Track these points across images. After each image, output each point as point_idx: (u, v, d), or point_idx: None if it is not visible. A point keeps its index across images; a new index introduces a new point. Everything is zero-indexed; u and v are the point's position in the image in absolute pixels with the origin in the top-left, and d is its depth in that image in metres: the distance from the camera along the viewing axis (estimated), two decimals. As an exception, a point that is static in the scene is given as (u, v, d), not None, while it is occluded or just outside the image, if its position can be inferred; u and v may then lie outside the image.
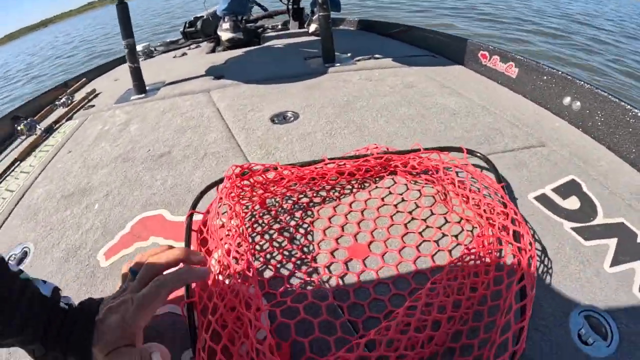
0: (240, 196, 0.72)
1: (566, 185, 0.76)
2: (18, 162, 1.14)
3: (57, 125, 1.33)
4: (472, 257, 0.57)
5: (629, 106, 0.87)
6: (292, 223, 0.70)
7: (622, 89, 3.53)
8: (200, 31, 2.31)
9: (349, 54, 1.61)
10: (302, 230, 0.68)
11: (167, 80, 1.53)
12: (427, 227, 0.67)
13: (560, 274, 0.58)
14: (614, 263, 0.60)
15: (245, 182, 0.72)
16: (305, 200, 0.75)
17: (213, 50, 2.12)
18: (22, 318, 0.40)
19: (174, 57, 2.04)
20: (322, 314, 0.52)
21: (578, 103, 0.99)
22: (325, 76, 1.40)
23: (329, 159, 0.78)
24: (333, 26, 1.53)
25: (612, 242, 0.64)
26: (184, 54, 2.07)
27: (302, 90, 1.27)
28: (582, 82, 1.00)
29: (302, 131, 1.01)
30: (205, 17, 2.34)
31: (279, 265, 0.62)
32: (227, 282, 0.52)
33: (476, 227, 0.65)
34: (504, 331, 0.46)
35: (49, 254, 0.72)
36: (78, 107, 1.46)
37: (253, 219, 0.72)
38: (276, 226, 0.70)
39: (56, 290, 0.46)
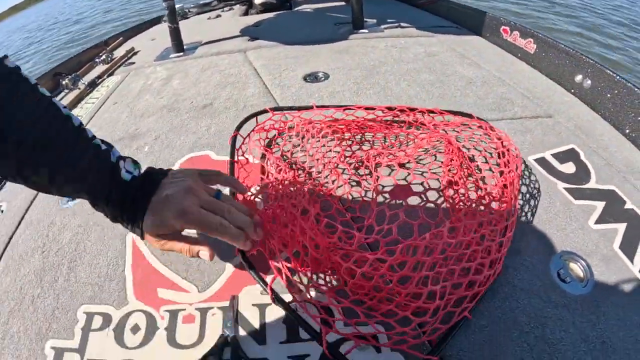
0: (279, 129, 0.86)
1: (566, 153, 0.84)
2: (65, 114, 1.23)
3: (100, 80, 1.43)
4: (473, 203, 0.68)
5: (636, 88, 0.94)
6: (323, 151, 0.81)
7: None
8: None
9: (374, 20, 1.68)
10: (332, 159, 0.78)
11: (203, 40, 1.62)
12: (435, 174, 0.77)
13: (548, 224, 0.68)
14: (599, 221, 0.69)
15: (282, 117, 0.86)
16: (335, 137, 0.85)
17: (246, 13, 2.18)
18: (91, 182, 0.47)
19: (208, 18, 2.11)
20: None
21: (589, 81, 1.06)
22: (354, 42, 1.47)
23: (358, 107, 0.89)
24: None
25: (600, 205, 0.72)
26: (218, 15, 2.15)
27: (332, 54, 1.35)
28: (595, 62, 1.07)
29: (331, 90, 1.10)
30: None
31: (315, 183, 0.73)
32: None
33: (474, 178, 0.75)
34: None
35: (104, 188, 0.82)
36: (119, 64, 1.56)
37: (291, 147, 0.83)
38: (311, 152, 0.81)
39: (119, 159, 0.50)
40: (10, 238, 0.74)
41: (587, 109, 1.04)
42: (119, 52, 1.70)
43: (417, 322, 0.47)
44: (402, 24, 1.65)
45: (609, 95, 1.00)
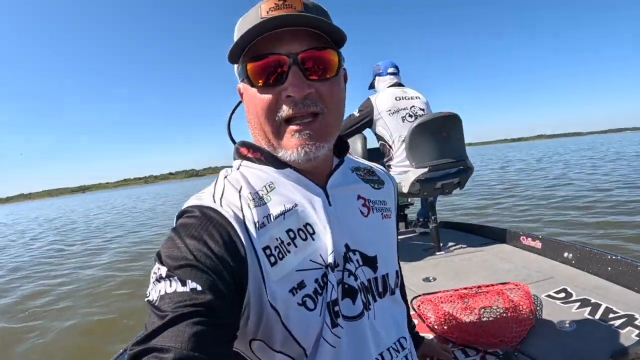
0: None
1: (558, 291, 1.69)
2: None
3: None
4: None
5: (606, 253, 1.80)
6: None
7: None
8: None
9: None
10: None
11: None
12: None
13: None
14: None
15: None
16: None
17: None
18: None
19: None
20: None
21: (571, 254, 1.97)
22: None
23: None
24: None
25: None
26: None
27: None
28: (573, 243, 1.99)
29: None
30: None
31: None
32: None
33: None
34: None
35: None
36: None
37: None
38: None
39: None
40: None
41: (579, 271, 1.90)
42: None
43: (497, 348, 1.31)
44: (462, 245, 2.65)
45: (595, 263, 1.86)
